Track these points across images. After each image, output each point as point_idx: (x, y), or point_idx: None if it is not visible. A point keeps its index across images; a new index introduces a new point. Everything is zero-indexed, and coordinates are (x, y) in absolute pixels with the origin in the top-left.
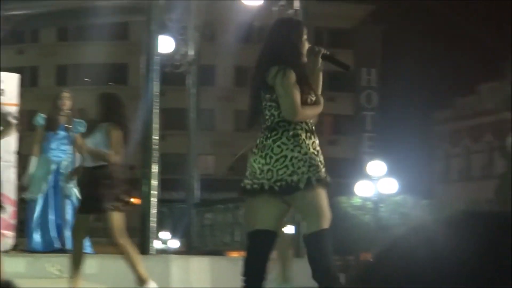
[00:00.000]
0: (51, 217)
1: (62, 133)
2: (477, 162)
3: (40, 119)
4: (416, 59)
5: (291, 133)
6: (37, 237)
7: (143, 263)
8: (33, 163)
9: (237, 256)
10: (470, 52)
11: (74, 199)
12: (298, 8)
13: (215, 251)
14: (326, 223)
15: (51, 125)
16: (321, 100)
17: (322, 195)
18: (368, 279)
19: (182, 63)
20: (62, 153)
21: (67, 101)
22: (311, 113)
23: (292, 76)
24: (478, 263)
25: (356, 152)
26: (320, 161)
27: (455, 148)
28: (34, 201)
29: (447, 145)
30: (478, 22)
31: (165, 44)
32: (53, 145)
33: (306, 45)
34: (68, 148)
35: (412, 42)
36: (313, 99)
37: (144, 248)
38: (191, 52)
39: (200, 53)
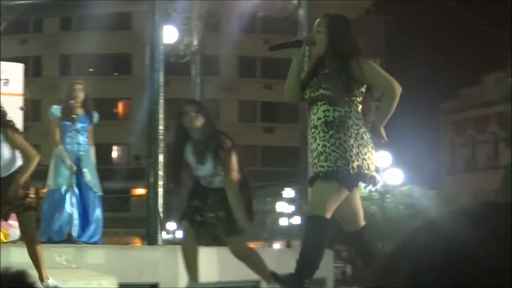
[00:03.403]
0: (68, 208)
1: (77, 124)
2: (482, 153)
3: (56, 110)
4: (421, 49)
5: None
6: (49, 228)
7: (151, 254)
8: (54, 154)
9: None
10: (475, 42)
11: (96, 190)
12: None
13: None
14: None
15: (66, 117)
16: None
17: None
18: (385, 276)
19: (186, 53)
20: (77, 144)
21: (80, 92)
22: None
23: None
24: (505, 261)
25: None
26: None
27: (461, 138)
28: (51, 192)
29: (452, 136)
30: (483, 13)
31: (169, 34)
32: (69, 136)
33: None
34: (84, 139)
35: (416, 33)
36: None
37: (151, 238)
38: (195, 42)
39: (204, 43)
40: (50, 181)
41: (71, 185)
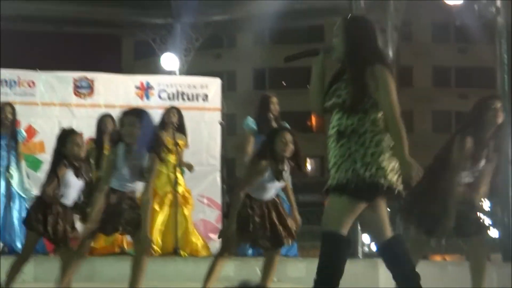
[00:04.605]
0: None
1: None
2: None
3: (252, 123)
4: None
5: None
6: None
7: (351, 267)
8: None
9: (440, 260)
10: None
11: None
12: (500, 6)
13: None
14: None
15: (262, 129)
16: None
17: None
18: None
19: None
20: None
21: (277, 106)
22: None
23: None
24: None
25: None
26: None
27: None
28: None
29: None
30: None
31: None
32: None
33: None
34: None
35: None
36: None
37: (351, 251)
38: (390, 53)
39: (399, 54)
40: None
41: None
